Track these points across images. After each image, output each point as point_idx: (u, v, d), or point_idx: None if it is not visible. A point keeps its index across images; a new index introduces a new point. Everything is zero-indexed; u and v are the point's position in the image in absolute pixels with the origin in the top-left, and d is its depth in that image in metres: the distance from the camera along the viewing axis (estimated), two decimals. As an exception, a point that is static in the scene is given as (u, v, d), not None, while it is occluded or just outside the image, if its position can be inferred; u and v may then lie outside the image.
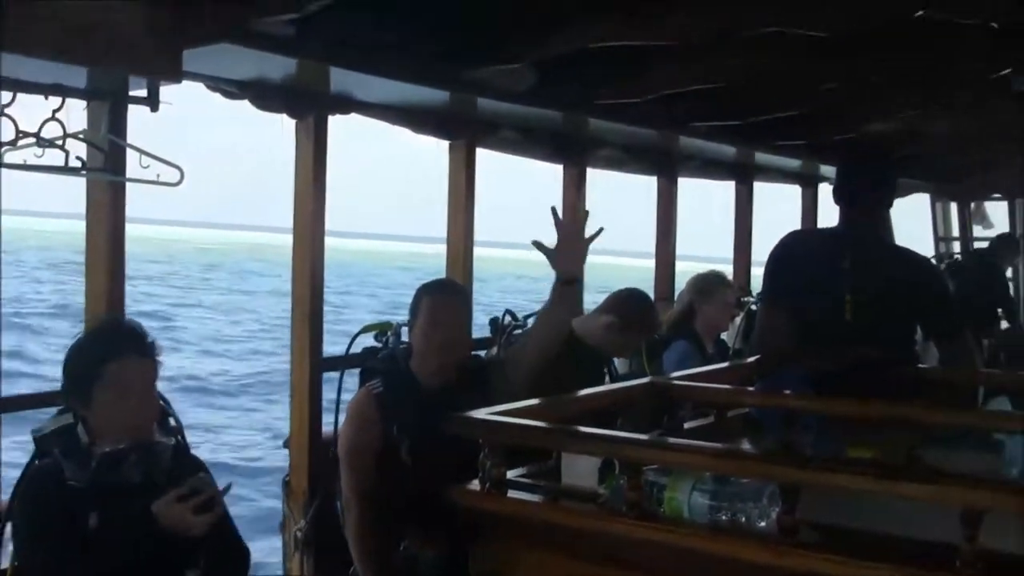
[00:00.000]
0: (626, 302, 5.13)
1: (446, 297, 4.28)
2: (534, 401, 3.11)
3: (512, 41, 4.14)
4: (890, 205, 4.43)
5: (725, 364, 4.93)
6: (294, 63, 4.08)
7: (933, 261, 9.33)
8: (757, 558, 2.37)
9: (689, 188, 7.97)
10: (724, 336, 6.47)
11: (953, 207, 10.89)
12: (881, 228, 4.47)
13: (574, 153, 6.14)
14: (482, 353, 5.00)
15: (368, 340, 4.56)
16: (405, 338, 4.38)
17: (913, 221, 10.96)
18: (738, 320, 6.75)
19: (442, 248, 5.64)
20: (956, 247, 10.94)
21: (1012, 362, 9.25)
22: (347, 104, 4.76)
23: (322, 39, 3.88)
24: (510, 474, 2.84)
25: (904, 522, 2.40)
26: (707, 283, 6.11)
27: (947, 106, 5.95)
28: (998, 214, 10.83)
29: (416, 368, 4.18)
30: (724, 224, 8.24)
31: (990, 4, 3.78)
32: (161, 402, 3.39)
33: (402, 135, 5.24)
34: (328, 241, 4.68)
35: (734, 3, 3.85)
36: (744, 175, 7.90)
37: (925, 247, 11.06)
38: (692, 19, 3.92)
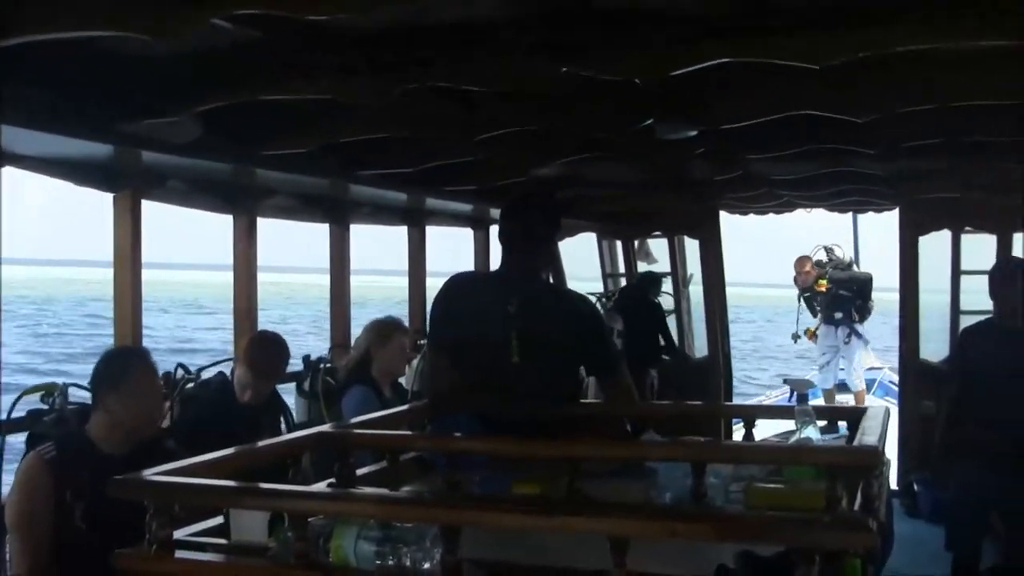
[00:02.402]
0: (250, 350, 5.30)
1: (147, 365, 4.19)
2: (202, 458, 3.08)
3: (169, 95, 4.09)
4: (550, 246, 4.52)
5: (400, 408, 4.99)
6: (-60, 117, 3.90)
7: (592, 300, 9.76)
8: (421, 600, 2.44)
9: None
10: (402, 380, 6.55)
11: (619, 244, 11.42)
12: (543, 268, 4.56)
13: (243, 203, 6.10)
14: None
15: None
16: (73, 399, 4.25)
17: (585, 258, 11.46)
18: (415, 363, 6.86)
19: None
20: (623, 282, 11.46)
21: (676, 391, 9.85)
22: None
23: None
24: (179, 534, 2.80)
25: (571, 551, 2.54)
26: (382, 328, 6.18)
27: (603, 153, 6.25)
28: (660, 250, 11.40)
29: (96, 432, 4.06)
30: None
31: (624, 65, 4.00)
32: None
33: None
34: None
35: (387, 64, 3.94)
36: (416, 220, 8.04)
37: (596, 282, 11.59)
38: (346, 76, 4.00)
